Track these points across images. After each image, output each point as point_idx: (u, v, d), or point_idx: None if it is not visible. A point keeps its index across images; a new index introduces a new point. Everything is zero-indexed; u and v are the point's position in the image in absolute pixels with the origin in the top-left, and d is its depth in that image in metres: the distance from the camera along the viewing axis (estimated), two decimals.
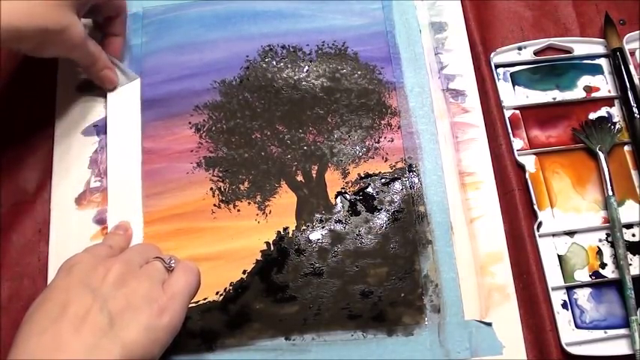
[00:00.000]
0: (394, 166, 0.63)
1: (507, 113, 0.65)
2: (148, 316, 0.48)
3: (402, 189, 0.62)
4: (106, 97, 0.66)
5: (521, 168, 0.63)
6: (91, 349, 0.44)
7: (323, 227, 0.61)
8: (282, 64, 0.68)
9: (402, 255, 0.60)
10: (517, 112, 0.66)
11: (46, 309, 0.47)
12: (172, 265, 0.54)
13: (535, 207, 0.61)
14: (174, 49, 0.69)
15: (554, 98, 0.66)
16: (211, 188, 0.63)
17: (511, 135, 0.64)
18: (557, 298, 0.59)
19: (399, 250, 0.60)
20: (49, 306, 0.47)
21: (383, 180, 0.63)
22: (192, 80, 0.68)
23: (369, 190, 0.63)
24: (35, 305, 0.48)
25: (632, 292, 0.58)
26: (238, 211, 0.62)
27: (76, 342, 0.44)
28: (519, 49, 0.68)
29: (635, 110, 0.64)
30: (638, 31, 0.68)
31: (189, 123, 0.65)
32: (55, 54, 0.59)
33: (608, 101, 0.66)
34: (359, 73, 0.67)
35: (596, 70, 0.68)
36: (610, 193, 0.61)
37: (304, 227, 0.61)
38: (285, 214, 0.62)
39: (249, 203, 0.62)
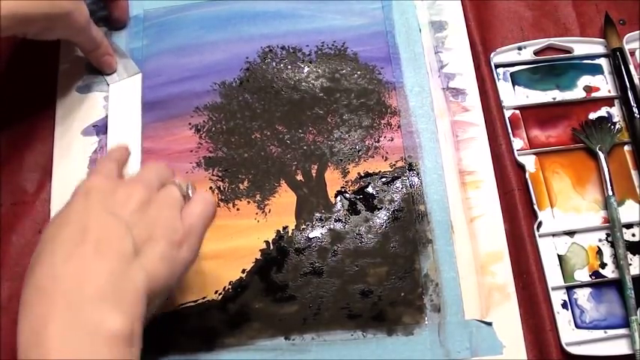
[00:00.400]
0: (394, 165, 0.63)
1: (507, 113, 0.65)
2: (170, 247, 0.47)
3: (402, 188, 0.62)
4: (105, 97, 0.66)
5: (521, 168, 0.63)
6: (117, 276, 0.44)
7: (323, 226, 0.61)
8: (281, 65, 0.68)
9: (402, 254, 0.60)
10: (517, 112, 0.66)
11: (69, 232, 0.45)
12: (190, 193, 0.53)
13: (535, 207, 0.61)
14: (175, 51, 0.69)
15: (554, 98, 0.66)
16: (211, 187, 0.63)
17: (511, 135, 0.64)
18: (557, 297, 0.59)
19: (399, 250, 0.60)
20: (70, 230, 0.45)
21: (383, 179, 0.63)
22: (192, 82, 0.68)
23: (369, 189, 0.62)
24: (54, 227, 0.47)
25: (632, 292, 0.57)
26: (238, 210, 0.62)
27: (101, 267, 0.43)
28: (519, 48, 0.68)
29: (635, 110, 0.64)
30: (638, 31, 0.68)
31: (189, 124, 0.65)
32: (59, 37, 0.61)
33: (608, 101, 0.66)
34: (359, 73, 0.67)
35: (596, 70, 0.68)
36: (610, 193, 0.61)
37: (304, 226, 0.61)
38: (285, 213, 0.62)
39: (248, 202, 0.62)
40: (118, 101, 0.66)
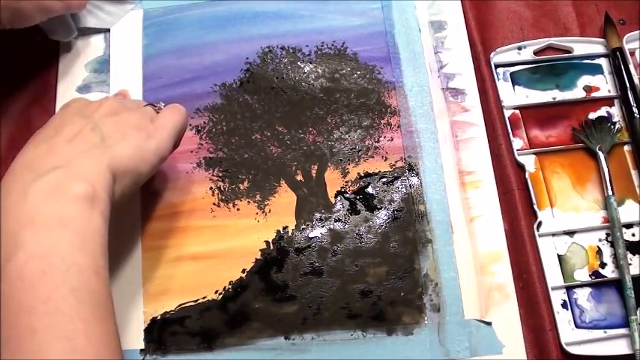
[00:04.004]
0: (394, 165, 0.63)
1: (507, 113, 0.65)
2: (137, 139, 0.52)
3: (401, 188, 0.62)
4: (106, 96, 0.66)
5: (521, 168, 0.63)
6: (82, 154, 0.49)
7: (322, 226, 0.61)
8: (281, 65, 0.68)
9: (401, 254, 0.60)
10: (517, 111, 0.66)
11: (43, 132, 0.52)
12: (162, 107, 0.59)
13: (535, 207, 0.61)
14: (175, 51, 0.69)
15: (554, 98, 0.66)
16: (211, 187, 0.63)
17: (511, 135, 0.64)
18: (557, 297, 0.59)
19: (399, 249, 0.60)
20: (46, 130, 0.52)
21: (383, 179, 0.63)
22: (192, 84, 0.68)
23: (369, 189, 0.63)
24: (34, 134, 0.53)
25: (632, 291, 0.57)
26: (238, 210, 0.62)
27: (68, 149, 0.49)
28: (519, 48, 0.68)
29: (635, 110, 0.64)
30: (638, 31, 0.68)
31: (190, 125, 0.65)
32: (34, 14, 0.60)
33: (607, 101, 0.66)
34: (358, 73, 0.67)
35: (596, 69, 0.68)
36: (610, 192, 0.61)
37: (304, 226, 0.61)
38: (285, 213, 0.62)
39: (248, 202, 0.62)
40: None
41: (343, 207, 0.62)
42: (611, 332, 0.58)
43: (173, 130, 0.55)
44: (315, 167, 0.64)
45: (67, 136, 0.50)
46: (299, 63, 0.68)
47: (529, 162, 0.64)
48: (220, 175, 0.63)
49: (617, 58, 0.66)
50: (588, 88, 0.67)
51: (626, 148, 0.64)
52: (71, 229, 0.45)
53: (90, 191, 0.46)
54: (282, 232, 0.61)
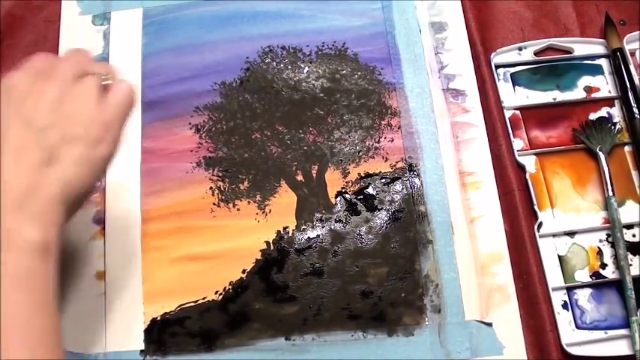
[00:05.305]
0: (394, 165, 0.63)
1: (507, 113, 0.65)
2: (87, 148, 0.47)
3: (402, 189, 0.62)
4: None
5: (521, 168, 0.63)
6: (32, 188, 0.44)
7: (323, 227, 0.61)
8: (282, 65, 0.68)
9: (402, 255, 0.60)
10: (517, 112, 0.66)
11: None
12: (108, 81, 0.51)
13: (535, 207, 0.61)
14: (175, 50, 0.69)
15: (555, 98, 0.66)
16: (211, 187, 0.63)
17: (511, 135, 0.64)
18: (558, 298, 0.59)
19: (400, 250, 0.60)
20: None
21: (383, 180, 0.63)
22: (192, 82, 0.68)
23: (370, 189, 0.62)
24: None
25: (633, 292, 0.58)
26: (238, 210, 0.62)
27: (17, 181, 0.44)
28: (519, 49, 0.68)
29: (636, 110, 0.64)
30: (638, 32, 0.68)
31: (189, 124, 0.65)
32: None
33: (608, 101, 0.66)
34: (359, 73, 0.67)
35: (597, 70, 0.68)
36: (610, 193, 0.61)
37: (304, 227, 0.61)
38: (285, 213, 0.62)
39: (248, 202, 0.62)
40: None
41: (343, 207, 0.62)
42: (611, 333, 0.58)
43: (122, 123, 0.51)
44: (316, 167, 0.63)
45: (13, 154, 0.45)
46: (299, 63, 0.68)
47: (529, 162, 0.64)
48: (220, 174, 0.63)
49: (617, 58, 0.66)
50: (589, 89, 0.67)
51: (627, 148, 0.65)
52: None
53: (43, 238, 0.44)
54: (282, 233, 0.61)
